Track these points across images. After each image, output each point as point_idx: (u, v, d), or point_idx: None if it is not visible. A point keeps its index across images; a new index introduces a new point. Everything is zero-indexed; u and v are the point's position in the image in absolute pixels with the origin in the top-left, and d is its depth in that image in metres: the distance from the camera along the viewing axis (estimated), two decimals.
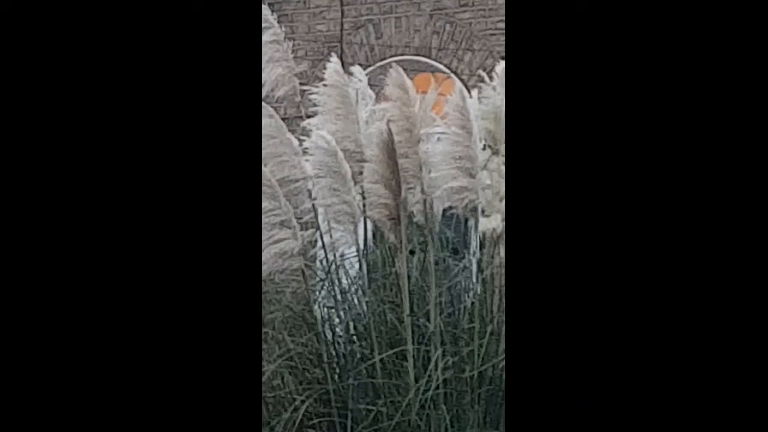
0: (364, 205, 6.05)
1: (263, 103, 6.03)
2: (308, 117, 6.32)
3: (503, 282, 6.26)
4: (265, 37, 6.42)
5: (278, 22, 8.35)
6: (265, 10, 6.55)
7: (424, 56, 10.59)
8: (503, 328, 6.16)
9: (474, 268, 6.34)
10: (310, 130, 6.12)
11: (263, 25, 6.38)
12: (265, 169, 5.92)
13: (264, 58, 6.36)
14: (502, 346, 6.09)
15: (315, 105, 6.22)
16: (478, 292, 6.12)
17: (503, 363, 6.02)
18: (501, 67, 6.40)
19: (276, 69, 6.41)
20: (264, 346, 6.13)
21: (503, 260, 6.24)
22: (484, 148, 6.02)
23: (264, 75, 6.33)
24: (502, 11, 10.34)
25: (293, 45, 9.14)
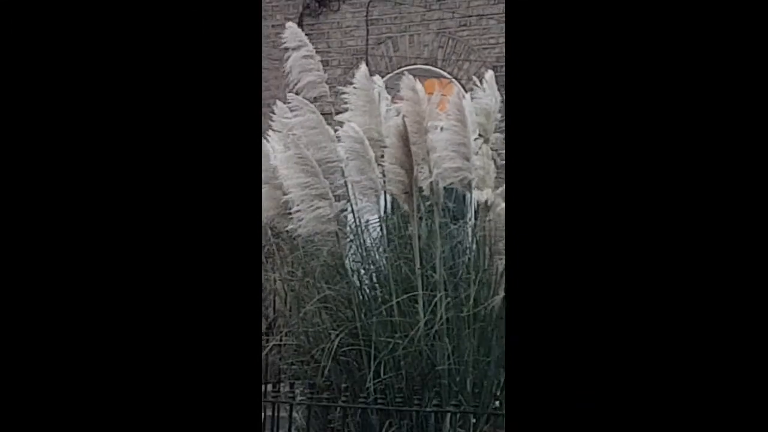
0: (384, 182, 6.47)
1: (305, 101, 6.53)
2: (338, 113, 6.73)
3: (493, 241, 6.64)
4: (300, 53, 6.83)
5: (317, 38, 8.99)
6: (299, 32, 7.02)
7: (431, 65, 10.73)
8: (493, 278, 6.50)
9: (470, 231, 6.70)
10: (342, 123, 6.52)
11: (297, 44, 6.86)
12: (307, 153, 6.34)
13: (298, 69, 6.79)
14: (492, 292, 6.35)
15: (346, 103, 6.66)
16: (473, 249, 6.55)
17: (493, 305, 6.27)
18: (490, 74, 6.94)
19: (308, 76, 6.79)
20: (305, 291, 6.57)
21: (493, 224, 6.60)
22: (476, 138, 6.42)
23: (296, 80, 6.75)
24: (494, 31, 10.67)
25: (329, 56, 9.82)
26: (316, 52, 7.00)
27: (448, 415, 6.00)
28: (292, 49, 6.88)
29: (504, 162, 6.23)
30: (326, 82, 6.90)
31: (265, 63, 10.04)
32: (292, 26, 7.08)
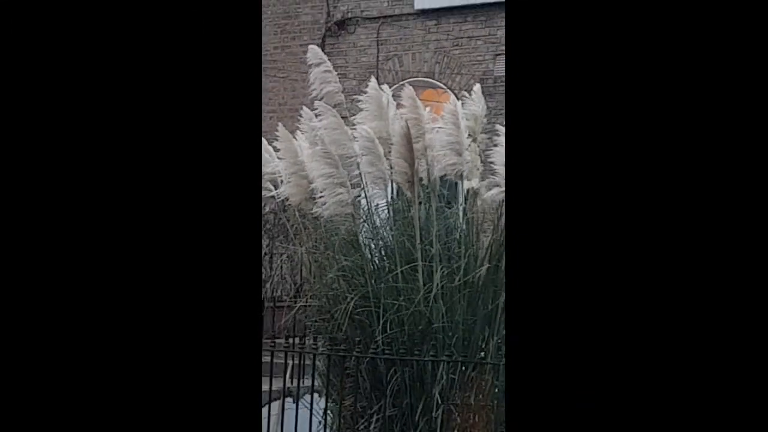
0: (391, 173, 6.80)
1: (328, 107, 6.83)
2: (353, 116, 7.03)
3: (480, 222, 6.92)
4: (320, 68, 7.16)
5: (336, 55, 9.29)
6: (319, 52, 7.38)
7: (430, 78, 11.21)
8: (480, 252, 6.74)
9: (461, 213, 6.99)
10: (357, 125, 6.87)
11: (318, 61, 7.21)
12: (329, 149, 6.67)
13: (319, 81, 7.12)
14: (479, 263, 6.62)
15: (361, 108, 6.97)
16: (464, 228, 6.86)
17: (480, 274, 6.56)
18: (477, 86, 7.20)
19: (327, 87, 7.10)
20: (327, 262, 6.89)
21: (480, 208, 6.90)
22: (467, 138, 6.74)
23: (318, 90, 7.10)
24: (481, 50, 11.00)
25: (346, 70, 9.88)
26: (336, 66, 7.29)
27: (442, 363, 6.25)
28: (314, 65, 7.19)
29: (489, 158, 6.70)
30: (343, 92, 7.17)
31: (294, 76, 10.79)
32: (313, 48, 7.43)
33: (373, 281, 6.75)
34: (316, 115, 6.98)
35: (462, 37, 11.21)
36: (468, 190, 6.97)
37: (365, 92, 7.07)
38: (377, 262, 7.01)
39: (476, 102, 7.05)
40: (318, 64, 7.22)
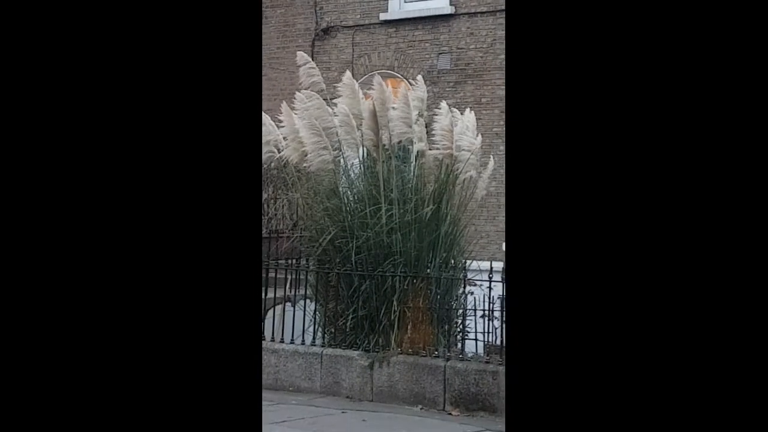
0: (362, 140, 7.30)
1: (314, 93, 7.24)
2: (333, 99, 7.48)
3: (425, 174, 7.30)
4: (306, 66, 7.56)
5: (322, 53, 9.89)
6: (305, 55, 7.70)
7: (391, 71, 11.80)
8: (426, 197, 7.12)
9: (413, 167, 7.43)
10: (336, 105, 7.41)
11: (304, 61, 7.53)
12: (315, 122, 7.10)
13: (305, 75, 7.52)
14: (425, 205, 7.02)
15: (339, 93, 7.44)
16: (414, 179, 7.36)
17: (426, 213, 6.96)
18: (420, 77, 7.66)
19: (311, 79, 7.55)
20: (315, 205, 7.35)
21: (425, 164, 7.30)
22: (416, 114, 7.26)
23: (305, 82, 7.49)
24: (428, 50, 11.65)
25: (329, 64, 10.56)
26: (321, 61, 7.81)
27: (398, 277, 6.75)
28: (302, 64, 7.67)
29: (431, 129, 7.14)
30: (327, 80, 7.47)
31: (292, 69, 11.52)
32: (300, 53, 7.83)
33: (348, 218, 7.17)
34: (306, 99, 7.42)
35: (414, 41, 11.90)
36: (417, 152, 7.37)
37: (342, 80, 7.51)
38: (352, 204, 7.38)
39: (421, 88, 7.56)
40: (304, 63, 7.65)
